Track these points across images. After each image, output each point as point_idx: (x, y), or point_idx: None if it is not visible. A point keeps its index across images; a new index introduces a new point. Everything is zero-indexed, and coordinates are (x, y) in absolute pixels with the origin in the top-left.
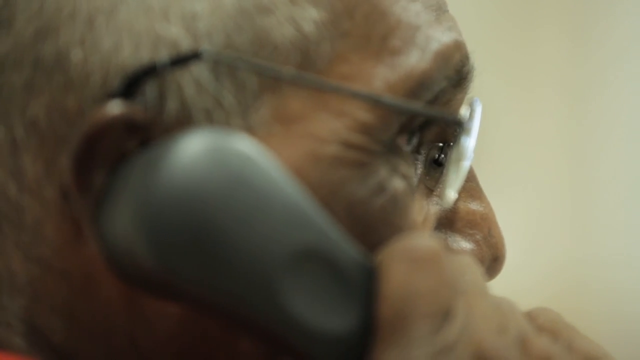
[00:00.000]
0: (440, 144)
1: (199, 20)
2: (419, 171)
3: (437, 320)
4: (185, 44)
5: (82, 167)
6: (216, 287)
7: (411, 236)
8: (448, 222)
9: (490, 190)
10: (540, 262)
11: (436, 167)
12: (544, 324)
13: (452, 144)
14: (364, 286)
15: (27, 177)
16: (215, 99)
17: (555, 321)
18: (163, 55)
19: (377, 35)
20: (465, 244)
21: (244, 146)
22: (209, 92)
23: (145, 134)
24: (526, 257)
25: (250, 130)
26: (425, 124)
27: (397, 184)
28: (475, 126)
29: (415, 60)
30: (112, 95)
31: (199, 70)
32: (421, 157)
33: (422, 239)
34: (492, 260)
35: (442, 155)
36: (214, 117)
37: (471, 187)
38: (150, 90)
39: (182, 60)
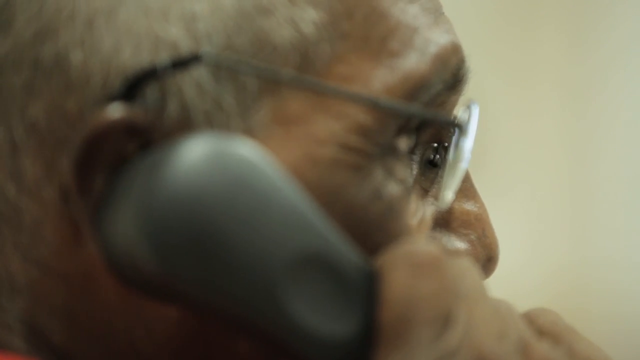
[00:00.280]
0: (435, 145)
1: (198, 21)
2: (415, 172)
3: (438, 325)
4: (185, 45)
5: (83, 170)
6: (217, 291)
7: (412, 241)
8: (443, 222)
9: (490, 191)
10: (540, 264)
11: (431, 167)
12: (543, 325)
13: (447, 144)
14: (365, 291)
15: (27, 178)
16: (216, 101)
17: (555, 323)
18: (163, 56)
19: (376, 37)
20: (459, 244)
21: (246, 150)
22: (209, 94)
23: (146, 137)
24: (526, 258)
25: (249, 132)
26: (421, 125)
27: (393, 189)
28: (473, 128)
29: (414, 62)
30: (112, 98)
31: (199, 73)
32: (416, 158)
33: (422, 244)
34: (486, 260)
35: (437, 156)
36: (214, 119)
37: (465, 187)
38: (150, 92)
39: (182, 63)
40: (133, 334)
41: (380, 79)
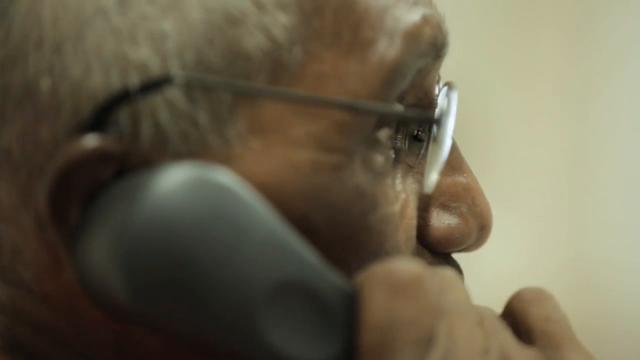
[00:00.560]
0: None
1: (168, 39)
2: (399, 147)
3: (419, 347)
4: (156, 66)
5: (57, 201)
6: (194, 324)
7: (391, 260)
8: (432, 197)
9: (491, 193)
10: (542, 266)
11: (415, 142)
12: (535, 324)
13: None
14: (345, 314)
15: (3, 204)
16: (191, 119)
17: (548, 319)
18: (134, 79)
19: (348, 29)
20: (450, 220)
21: (221, 178)
22: (183, 114)
23: (122, 162)
24: (527, 261)
25: (227, 145)
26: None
27: (374, 182)
28: (454, 109)
29: (383, 48)
30: (84, 125)
31: (171, 93)
32: (399, 136)
33: (401, 263)
34: (479, 229)
35: (421, 131)
36: (190, 137)
37: (452, 158)
38: (123, 117)
39: (154, 85)
40: (121, 351)
41: (355, 72)
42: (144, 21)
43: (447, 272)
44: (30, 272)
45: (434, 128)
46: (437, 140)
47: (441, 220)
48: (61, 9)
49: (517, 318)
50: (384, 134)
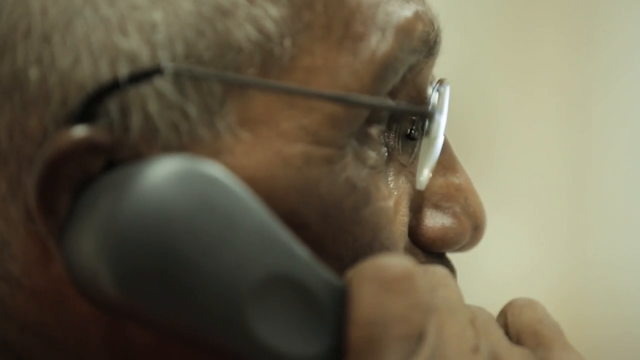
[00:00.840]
0: (413, 117)
1: (158, 30)
2: (392, 146)
3: (409, 344)
4: (145, 57)
5: (46, 192)
6: (182, 316)
7: (381, 256)
8: (424, 198)
9: (491, 196)
10: (543, 271)
11: (408, 141)
12: (527, 325)
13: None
14: (334, 309)
15: None
16: (181, 110)
17: (539, 321)
18: (123, 69)
19: (339, 23)
20: (444, 220)
21: (210, 170)
22: (173, 105)
23: (111, 153)
24: (528, 265)
25: (218, 137)
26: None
27: (367, 177)
28: (446, 105)
29: (375, 43)
30: (73, 116)
31: (161, 84)
32: (392, 134)
33: (392, 259)
34: (472, 229)
35: (414, 129)
36: (180, 128)
37: (444, 158)
38: (113, 107)
39: (143, 75)
40: (111, 346)
41: (346, 66)
42: (133, 11)
43: (438, 269)
44: (19, 265)
45: (426, 124)
46: (429, 136)
47: (435, 221)
48: None
49: (509, 320)
50: (375, 129)
